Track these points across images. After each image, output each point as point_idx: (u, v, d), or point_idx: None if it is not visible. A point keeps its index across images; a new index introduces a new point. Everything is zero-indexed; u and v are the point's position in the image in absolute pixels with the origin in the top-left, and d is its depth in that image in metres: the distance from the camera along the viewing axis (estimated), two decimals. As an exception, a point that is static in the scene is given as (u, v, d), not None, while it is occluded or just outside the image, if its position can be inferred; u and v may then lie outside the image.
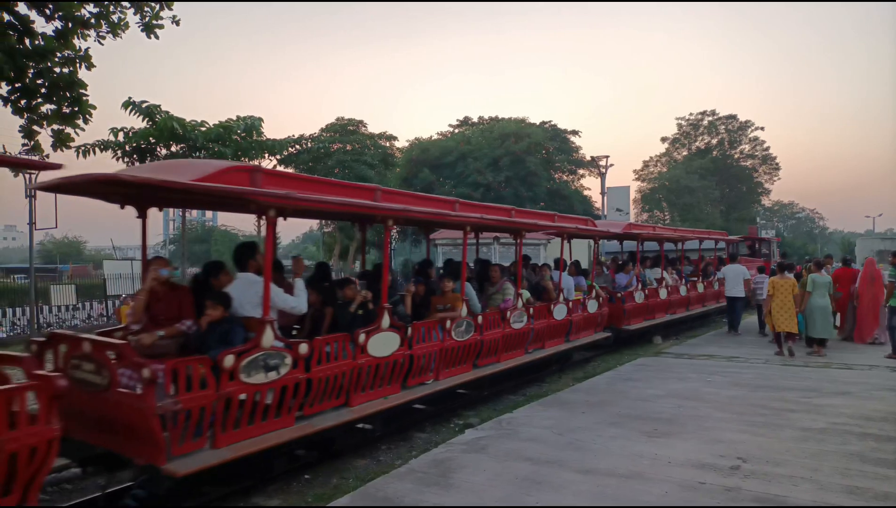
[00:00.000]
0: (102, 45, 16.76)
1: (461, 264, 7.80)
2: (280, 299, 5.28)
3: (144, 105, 17.67)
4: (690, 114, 60.63)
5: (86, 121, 17.25)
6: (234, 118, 19.26)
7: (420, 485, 4.92)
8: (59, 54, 16.23)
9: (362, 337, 5.91)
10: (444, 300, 7.59)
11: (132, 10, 16.66)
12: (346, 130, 32.46)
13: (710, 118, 59.61)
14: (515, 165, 37.15)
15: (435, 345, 6.96)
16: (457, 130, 44.35)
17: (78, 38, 16.66)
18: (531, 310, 8.89)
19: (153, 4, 16.86)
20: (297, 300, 5.52)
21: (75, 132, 17.41)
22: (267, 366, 4.84)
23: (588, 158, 41.77)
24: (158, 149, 18.32)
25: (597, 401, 7.76)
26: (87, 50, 16.72)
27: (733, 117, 59.27)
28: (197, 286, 5.60)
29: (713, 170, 55.03)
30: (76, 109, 17.02)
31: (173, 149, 18.50)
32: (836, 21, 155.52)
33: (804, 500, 4.62)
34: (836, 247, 57.75)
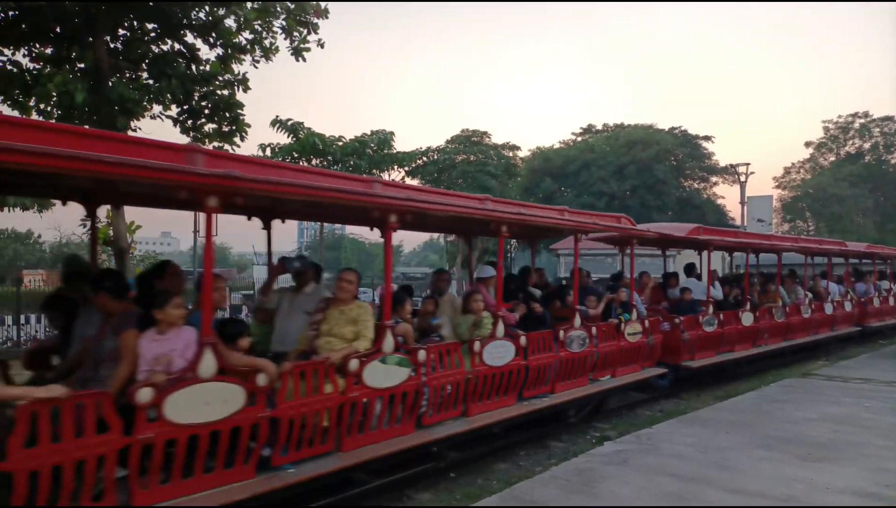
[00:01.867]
0: (257, 68, 18.33)
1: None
2: None
3: (290, 123, 19.22)
4: (839, 116, 55.71)
5: (242, 138, 18.99)
6: (368, 133, 20.43)
7: (565, 492, 5.04)
8: (219, 78, 18.06)
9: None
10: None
11: (283, 36, 18.17)
12: (470, 141, 33.14)
13: (863, 120, 54.40)
14: (642, 174, 36.09)
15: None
16: (580, 139, 43.79)
17: (236, 63, 18.45)
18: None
19: (301, 30, 18.32)
20: None
21: (233, 149, 19.26)
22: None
23: (722, 164, 39.70)
24: (301, 162, 19.85)
25: (741, 421, 7.46)
26: (244, 74, 18.42)
27: (890, 119, 53.64)
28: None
29: (866, 177, 50.12)
30: (234, 127, 18.82)
31: (314, 162, 19.96)
32: None
33: None
34: None
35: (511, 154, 36.17)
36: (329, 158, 19.83)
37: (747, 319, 11.09)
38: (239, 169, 4.12)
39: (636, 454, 6.11)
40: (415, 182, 32.76)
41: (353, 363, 4.88)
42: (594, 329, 7.63)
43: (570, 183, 38.26)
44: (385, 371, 5.11)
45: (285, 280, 6.36)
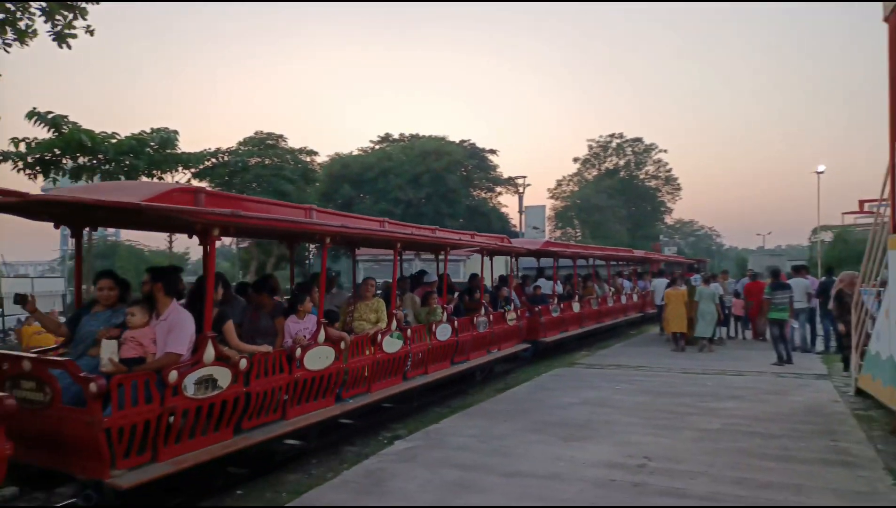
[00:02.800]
0: (8, 52, 15.94)
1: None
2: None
3: (50, 116, 16.87)
4: (600, 136, 63.97)
5: (-13, 130, 16.27)
6: (148, 130, 18.69)
7: (355, 493, 5.15)
8: (-44, 60, 15.26)
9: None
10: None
11: (42, 19, 15.98)
12: (264, 144, 31.98)
13: (618, 140, 63.12)
14: (435, 183, 37.84)
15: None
16: (377, 147, 44.62)
17: (-22, 44, 15.73)
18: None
19: (65, 13, 16.25)
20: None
21: (-25, 142, 16.32)
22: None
23: (505, 176, 43.09)
24: (64, 161, 17.50)
25: (517, 410, 8.23)
26: (-9, 57, 15.79)
27: (639, 140, 63.01)
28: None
29: (621, 189, 58.19)
30: (-24, 118, 15.96)
31: (81, 161, 17.72)
32: (725, 53, 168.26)
33: (700, 491, 5.21)
34: (732, 263, 62.13)
35: (309, 159, 35.62)
36: (100, 156, 17.79)
37: (576, 307, 14.99)
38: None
39: (424, 449, 6.43)
40: (203, 185, 30.68)
41: (378, 337, 7.53)
42: (491, 316, 10.66)
43: (369, 190, 38.80)
44: (392, 343, 7.79)
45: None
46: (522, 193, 27.85)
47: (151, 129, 18.71)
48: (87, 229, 6.53)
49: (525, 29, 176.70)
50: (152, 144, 18.44)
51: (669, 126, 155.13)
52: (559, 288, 15.08)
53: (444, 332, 9.05)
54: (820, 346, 14.01)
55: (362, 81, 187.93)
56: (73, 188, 7.47)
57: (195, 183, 28.85)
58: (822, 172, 37.59)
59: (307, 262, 31.28)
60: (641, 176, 63.41)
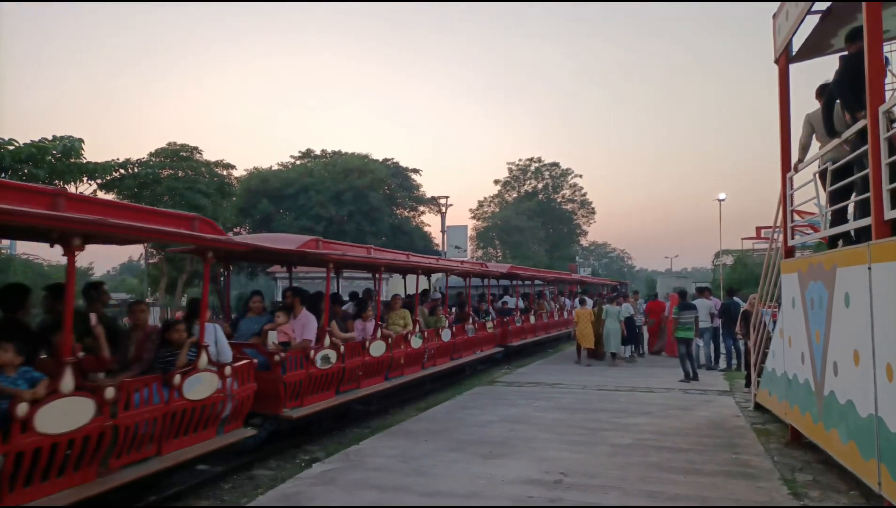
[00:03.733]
0: None
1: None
2: None
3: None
4: (520, 159, 65.68)
5: None
6: (50, 138, 17.59)
7: (269, 520, 4.95)
8: None
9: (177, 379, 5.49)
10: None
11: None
12: (178, 155, 30.76)
13: (537, 164, 65.02)
14: (358, 200, 37.55)
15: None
16: (299, 162, 43.87)
17: None
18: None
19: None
20: None
21: None
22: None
23: (428, 196, 43.37)
24: (-48, 169, 16.17)
25: (438, 429, 8.21)
26: None
27: (556, 165, 65.19)
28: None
29: (539, 212, 59.85)
30: None
31: (-28, 168, 16.43)
32: (637, 83, 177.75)
33: (613, 504, 5.36)
34: (642, 283, 65.05)
35: (225, 173, 34.51)
36: (-6, 164, 16.56)
37: (532, 319, 18.42)
38: None
39: (343, 471, 6.29)
40: (110, 197, 29.15)
41: (409, 337, 10.46)
42: (476, 325, 13.90)
43: (289, 205, 38.00)
44: (416, 341, 10.72)
45: None
46: (445, 212, 28.12)
47: (53, 136, 17.66)
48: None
49: (449, 51, 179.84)
50: (54, 152, 17.37)
51: (585, 152, 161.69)
52: (521, 304, 18.87)
53: (446, 335, 12.13)
54: (723, 364, 14.84)
55: (283, 95, 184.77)
56: None
57: (101, 195, 27.39)
58: (723, 200, 40.05)
59: (221, 279, 30.17)
60: (558, 199, 65.59)
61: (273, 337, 7.69)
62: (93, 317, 5.62)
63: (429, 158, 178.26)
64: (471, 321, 13.63)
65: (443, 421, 8.78)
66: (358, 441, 7.68)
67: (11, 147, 16.71)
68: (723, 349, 15.03)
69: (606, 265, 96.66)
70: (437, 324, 12.07)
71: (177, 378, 5.50)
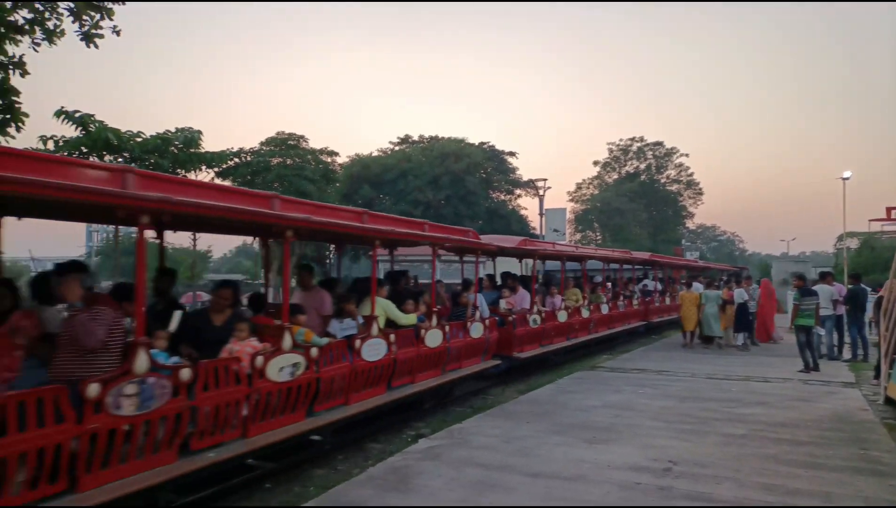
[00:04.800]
0: (37, 52, 16.20)
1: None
2: None
3: (77, 114, 17.17)
4: (620, 139, 63.50)
5: (18, 129, 16.61)
6: (173, 130, 18.95)
7: (381, 490, 5.18)
8: (-12, 61, 15.54)
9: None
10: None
11: (70, 18, 16.25)
12: (286, 144, 32.25)
13: (639, 144, 62.57)
14: (455, 184, 37.84)
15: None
16: (397, 148, 44.76)
17: (11, 44, 16.11)
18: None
19: (92, 14, 16.49)
20: None
21: (5, 140, 16.73)
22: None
23: (525, 178, 43.00)
24: (92, 159, 17.80)
25: (540, 412, 8.21)
26: (21, 57, 16.12)
27: (660, 144, 62.45)
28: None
29: (641, 193, 57.66)
30: (9, 116, 16.38)
31: (107, 159, 18.01)
32: (746, 52, 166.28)
33: (727, 496, 5.16)
34: (755, 269, 61.35)
35: (329, 159, 35.82)
36: (126, 155, 18.06)
37: (668, 300, 20.76)
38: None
39: (448, 448, 6.45)
40: (226, 184, 31.02)
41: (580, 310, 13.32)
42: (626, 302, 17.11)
43: (388, 191, 38.93)
44: (584, 312, 13.53)
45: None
46: (543, 195, 27.75)
47: (176, 128, 18.99)
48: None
49: (547, 31, 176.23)
50: (176, 143, 18.72)
51: (691, 130, 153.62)
52: (658, 286, 20.95)
53: (604, 309, 15.09)
54: (847, 354, 13.79)
55: (382, 83, 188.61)
56: None
57: (217, 182, 29.25)
58: (847, 179, 36.89)
59: (328, 262, 31.47)
60: (662, 180, 62.83)
61: (503, 305, 11.21)
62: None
63: (525, 140, 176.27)
64: (622, 299, 16.67)
65: (545, 404, 8.75)
66: (461, 420, 7.82)
67: (140, 139, 18.20)
68: (847, 339, 13.96)
69: (715, 249, 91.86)
70: (597, 300, 14.86)
71: (477, 325, 9.38)
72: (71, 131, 17.24)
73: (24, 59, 15.67)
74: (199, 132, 19.44)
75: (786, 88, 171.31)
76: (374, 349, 6.93)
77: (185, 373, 4.68)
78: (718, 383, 10.64)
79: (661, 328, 20.28)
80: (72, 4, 15.37)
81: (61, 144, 16.80)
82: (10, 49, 15.68)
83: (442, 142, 43.14)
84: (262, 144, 31.98)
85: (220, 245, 57.71)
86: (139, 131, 18.79)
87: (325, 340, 6.38)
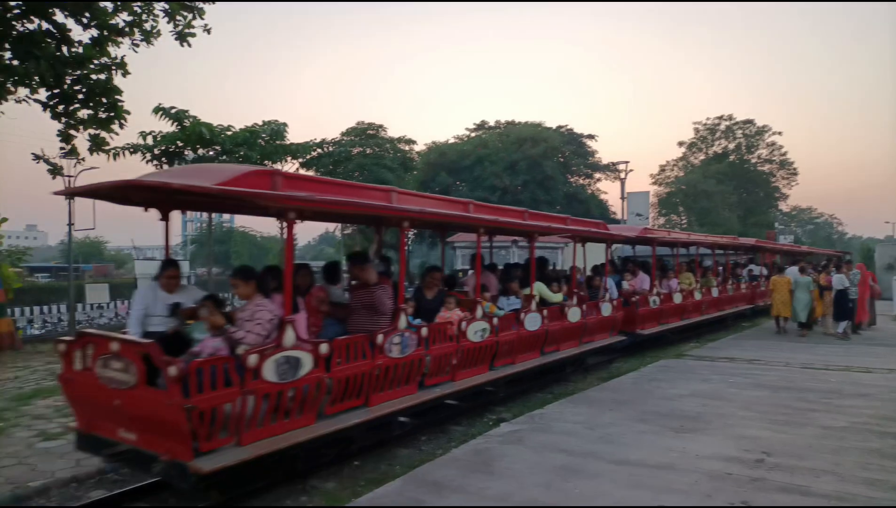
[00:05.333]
0: (136, 52, 17.17)
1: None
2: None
3: (173, 110, 18.19)
4: (707, 118, 60.62)
5: (121, 126, 17.72)
6: (260, 123, 19.75)
7: (465, 471, 5.27)
8: (95, 61, 16.76)
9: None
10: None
11: (165, 19, 17.17)
12: (366, 133, 32.94)
13: (727, 123, 59.47)
14: (532, 169, 37.46)
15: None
16: (473, 134, 44.72)
17: (113, 46, 17.18)
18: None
19: (185, 14, 17.35)
20: None
21: (110, 137, 17.87)
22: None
23: (605, 162, 41.95)
24: (186, 152, 18.83)
25: (623, 399, 8.07)
26: (122, 57, 17.13)
27: (750, 122, 59.13)
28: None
29: (730, 174, 54.90)
30: (112, 114, 17.51)
31: (200, 152, 19.01)
32: (847, 24, 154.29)
33: (826, 490, 4.92)
34: (856, 253, 57.29)
35: (407, 148, 36.29)
36: (217, 148, 18.99)
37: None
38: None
39: (530, 433, 6.47)
40: (310, 174, 32.02)
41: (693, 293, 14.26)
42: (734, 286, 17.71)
43: (465, 177, 39.03)
44: (697, 295, 14.42)
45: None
46: (625, 178, 27.02)
47: (263, 121, 19.79)
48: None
49: (624, 9, 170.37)
50: (264, 135, 19.51)
51: (784, 108, 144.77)
52: (764, 271, 20.80)
53: (714, 292, 16.02)
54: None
55: (459, 70, 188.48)
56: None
57: (302, 172, 30.23)
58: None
59: (407, 247, 32.03)
60: (753, 160, 59.54)
61: (625, 286, 12.37)
62: None
63: (605, 123, 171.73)
64: (731, 282, 17.49)
65: (628, 392, 8.60)
66: (542, 406, 7.81)
67: (230, 133, 19.09)
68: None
69: (811, 233, 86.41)
70: (708, 283, 15.80)
71: (607, 305, 10.58)
72: (168, 126, 18.30)
73: (125, 59, 16.64)
74: (285, 125, 20.14)
75: (889, 59, 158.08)
76: (533, 321, 8.54)
77: (424, 331, 6.52)
78: (815, 373, 10.08)
79: (766, 311, 19.63)
80: (167, 5, 16.26)
81: (159, 138, 17.90)
82: (113, 50, 16.72)
83: (519, 127, 42.75)
84: (343, 134, 32.79)
85: (304, 233, 59.79)
86: (229, 125, 19.68)
87: (502, 311, 8.26)
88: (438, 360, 6.73)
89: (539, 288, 9.22)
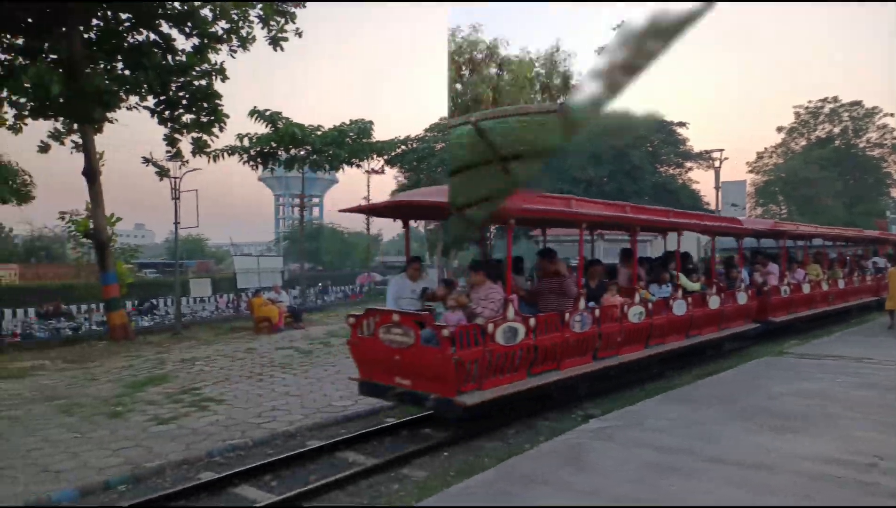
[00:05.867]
0: (234, 58, 18.07)
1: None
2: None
3: (268, 113, 19.06)
4: (809, 102, 56.70)
5: (221, 129, 18.68)
6: (347, 122, 20.34)
7: (553, 465, 5.26)
8: (197, 68, 17.81)
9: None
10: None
11: (260, 25, 17.96)
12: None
13: (832, 105, 55.43)
14: (618, 159, 36.43)
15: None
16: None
17: (212, 53, 18.16)
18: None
19: (278, 19, 18.08)
20: None
21: (211, 139, 18.89)
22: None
23: (696, 150, 40.27)
24: (280, 152, 19.69)
25: (721, 396, 7.76)
26: (221, 63, 18.11)
27: (858, 104, 54.79)
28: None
29: (835, 160, 51.19)
30: (213, 118, 18.53)
31: (292, 152, 19.83)
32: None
33: (949, 499, 4.55)
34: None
35: (489, 142, 36.13)
36: (308, 147, 19.73)
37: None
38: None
39: (621, 429, 6.35)
40: (394, 171, 32.71)
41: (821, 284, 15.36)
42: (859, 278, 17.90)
43: (547, 169, 38.54)
44: (824, 286, 15.36)
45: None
46: (719, 167, 25.85)
47: (350, 120, 20.38)
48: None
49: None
50: (351, 134, 20.08)
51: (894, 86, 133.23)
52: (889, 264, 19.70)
53: (841, 284, 16.36)
54: None
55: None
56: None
57: (387, 169, 30.94)
58: None
59: (489, 243, 32.06)
60: (861, 145, 55.22)
61: (757, 278, 12.98)
62: None
63: (697, 109, 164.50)
64: (856, 275, 17.76)
65: (726, 389, 8.25)
66: (633, 403, 7.65)
67: (319, 132, 19.79)
68: None
69: (929, 221, 79.35)
70: (835, 275, 16.26)
71: (742, 294, 11.56)
72: (263, 128, 19.18)
73: (224, 65, 17.55)
74: (371, 123, 20.66)
75: None
76: (679, 307, 9.83)
77: (597, 312, 8.05)
78: (936, 373, 9.30)
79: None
80: (261, 12, 17.04)
81: (254, 140, 18.81)
82: (213, 57, 17.69)
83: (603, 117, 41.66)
84: (426, 130, 33.15)
85: (388, 230, 61.05)
86: (319, 125, 20.39)
87: (655, 297, 9.44)
88: (607, 337, 8.23)
89: (682, 279, 10.36)
